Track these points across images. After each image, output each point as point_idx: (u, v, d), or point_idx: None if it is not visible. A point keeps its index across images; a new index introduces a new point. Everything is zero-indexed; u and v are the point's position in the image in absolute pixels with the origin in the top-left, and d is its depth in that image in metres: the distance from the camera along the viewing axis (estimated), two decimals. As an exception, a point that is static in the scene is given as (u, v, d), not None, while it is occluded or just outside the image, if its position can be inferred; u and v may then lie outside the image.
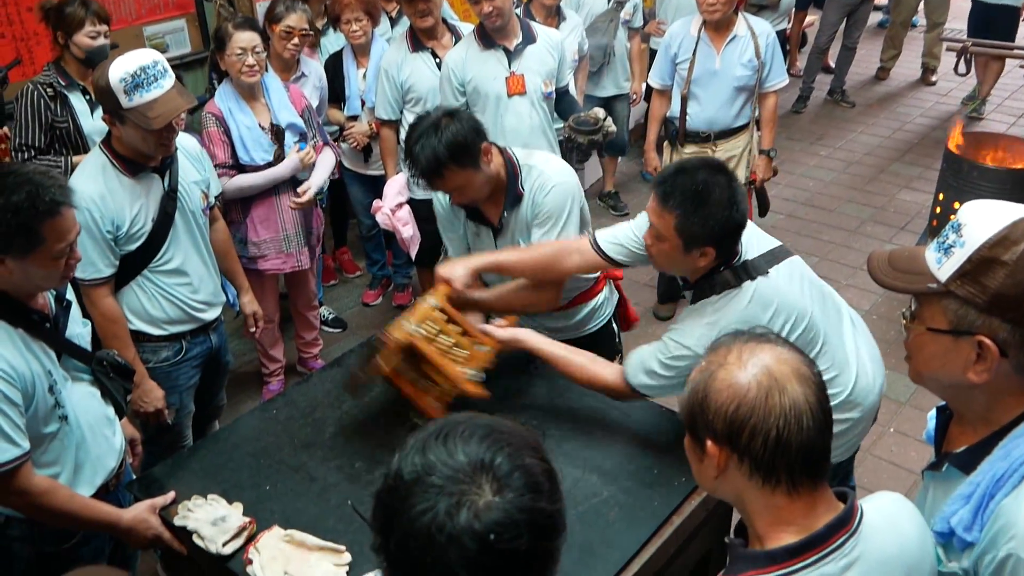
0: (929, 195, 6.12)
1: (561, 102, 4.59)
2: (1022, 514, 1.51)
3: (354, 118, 4.99)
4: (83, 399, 2.55)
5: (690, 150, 5.02)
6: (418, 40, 4.57)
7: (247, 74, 3.95)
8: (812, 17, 9.29)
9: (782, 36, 7.33)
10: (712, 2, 4.58)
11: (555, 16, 5.29)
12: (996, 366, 1.55)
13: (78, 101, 3.79)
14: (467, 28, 4.66)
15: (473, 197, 3.01)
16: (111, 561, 2.77)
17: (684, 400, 1.54)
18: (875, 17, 10.40)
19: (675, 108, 5.01)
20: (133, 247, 3.09)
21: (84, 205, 2.84)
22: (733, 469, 1.48)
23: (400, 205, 4.65)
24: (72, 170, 3.43)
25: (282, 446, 2.74)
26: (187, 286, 3.27)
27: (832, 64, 8.92)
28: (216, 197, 3.50)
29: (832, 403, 1.50)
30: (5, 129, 3.84)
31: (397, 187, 4.66)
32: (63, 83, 3.77)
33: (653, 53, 5.84)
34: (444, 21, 4.69)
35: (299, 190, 4.15)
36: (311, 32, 4.60)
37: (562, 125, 4.59)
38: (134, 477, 2.85)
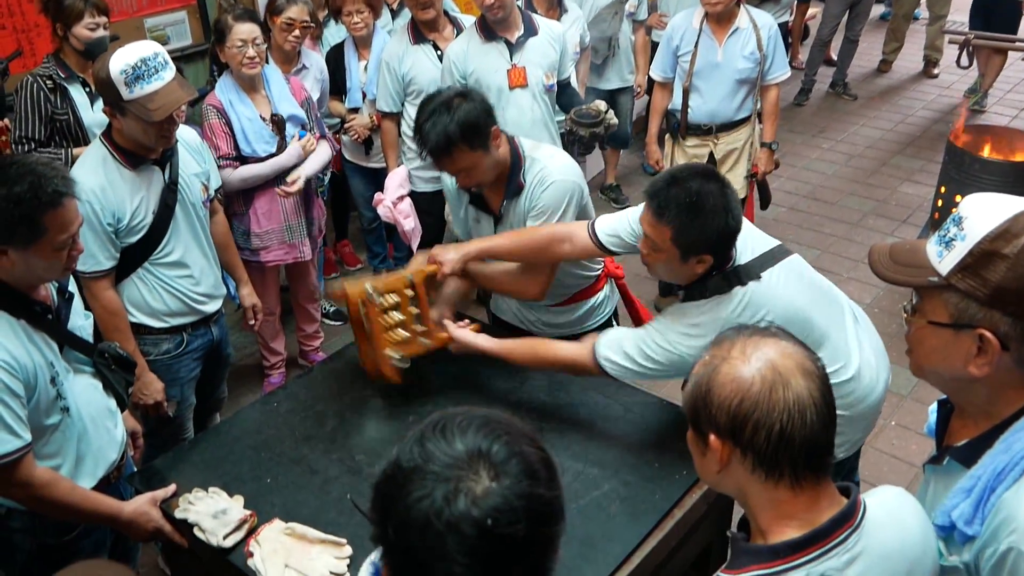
0: (931, 188, 6.11)
1: (563, 95, 4.58)
2: (1023, 508, 1.51)
3: (355, 110, 4.98)
4: (85, 391, 2.55)
5: (692, 143, 5.02)
6: (419, 32, 4.56)
7: (248, 66, 3.94)
8: (814, 9, 9.27)
9: (784, 29, 7.31)
10: (714, -6, 4.57)
11: (556, 8, 5.27)
12: (997, 359, 1.55)
13: (78, 93, 3.79)
14: (469, 20, 4.65)
15: (479, 180, 3.00)
16: (112, 554, 2.78)
17: (687, 394, 1.54)
18: (877, 10, 10.38)
19: (677, 101, 5.00)
20: (134, 239, 3.09)
21: (85, 197, 2.84)
22: (736, 463, 1.48)
23: (401, 198, 4.65)
24: (72, 162, 3.42)
25: (283, 439, 2.75)
26: (188, 278, 3.27)
27: (834, 57, 8.89)
28: (216, 190, 3.49)
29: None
30: (6, 121, 3.84)
31: (398, 180, 4.66)
32: (63, 75, 3.76)
33: (655, 45, 5.83)
34: (446, 13, 4.68)
35: (288, 179, 4.11)
36: (312, 24, 4.59)
37: (564, 118, 4.59)
38: (135, 470, 2.85)
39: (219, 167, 3.76)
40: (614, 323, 3.46)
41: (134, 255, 3.13)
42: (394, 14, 5.29)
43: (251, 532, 2.36)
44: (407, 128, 4.70)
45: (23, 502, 2.41)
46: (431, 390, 2.92)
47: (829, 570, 1.43)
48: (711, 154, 5.01)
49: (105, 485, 2.61)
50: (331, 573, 2.22)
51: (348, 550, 2.28)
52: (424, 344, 2.88)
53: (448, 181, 3.24)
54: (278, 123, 4.07)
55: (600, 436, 2.69)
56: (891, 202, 6.66)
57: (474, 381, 2.95)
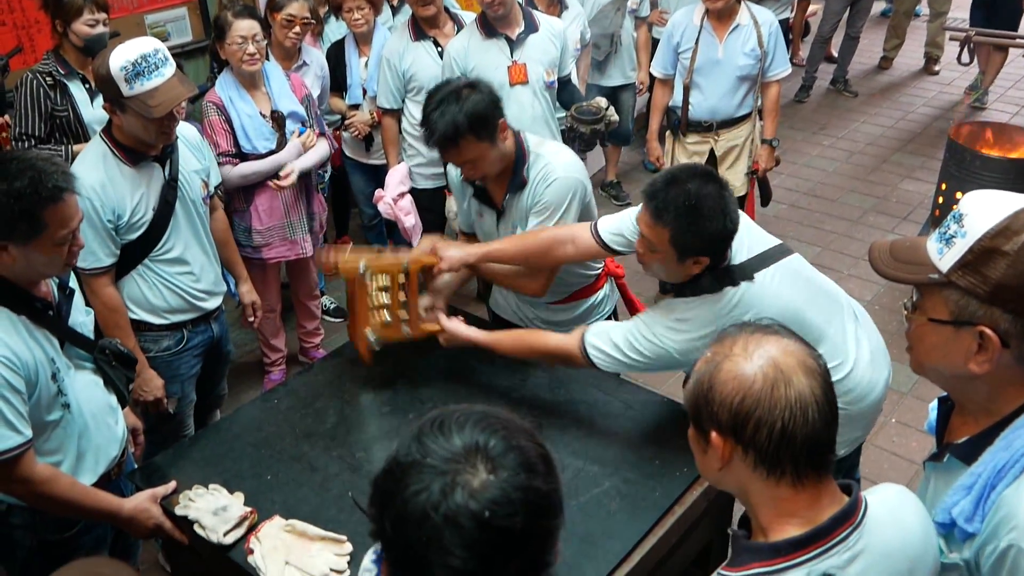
0: (931, 185, 6.11)
1: (563, 91, 4.58)
2: (1023, 505, 1.51)
3: (356, 107, 4.97)
4: (86, 387, 2.55)
5: (692, 140, 5.02)
6: (420, 29, 4.55)
7: (248, 63, 3.93)
8: (815, 6, 9.26)
9: (785, 25, 7.30)
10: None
11: (557, 5, 5.27)
12: (997, 357, 1.55)
13: (78, 90, 3.78)
14: (469, 17, 4.64)
15: (483, 173, 2.99)
16: (113, 550, 2.78)
17: (689, 391, 1.54)
18: (878, 6, 10.37)
19: (677, 97, 5.00)
20: (134, 236, 3.09)
21: (85, 194, 2.84)
22: (737, 461, 1.48)
23: (402, 194, 4.65)
24: (73, 159, 3.42)
25: (283, 436, 2.75)
26: (188, 275, 3.27)
27: (835, 53, 8.89)
28: (216, 187, 3.49)
29: None
30: (6, 117, 3.84)
31: (399, 176, 4.66)
32: (62, 72, 3.76)
33: (656, 42, 5.83)
34: (446, 10, 4.67)
35: (281, 173, 4.08)
36: (313, 20, 4.58)
37: (564, 115, 4.58)
38: (136, 466, 2.85)
39: (219, 164, 3.76)
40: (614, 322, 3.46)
41: (134, 252, 3.13)
42: (395, 10, 5.28)
43: (251, 529, 2.36)
44: (408, 125, 4.71)
45: (23, 498, 2.41)
46: (431, 387, 2.92)
47: (831, 568, 1.43)
48: (712, 151, 5.01)
49: (106, 482, 2.61)
50: (331, 570, 2.22)
51: (348, 547, 2.28)
52: (405, 332, 2.90)
53: (453, 173, 3.24)
54: (278, 120, 4.07)
55: (601, 433, 2.69)
56: (892, 199, 6.66)
57: (475, 378, 2.95)
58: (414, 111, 4.65)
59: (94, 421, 2.56)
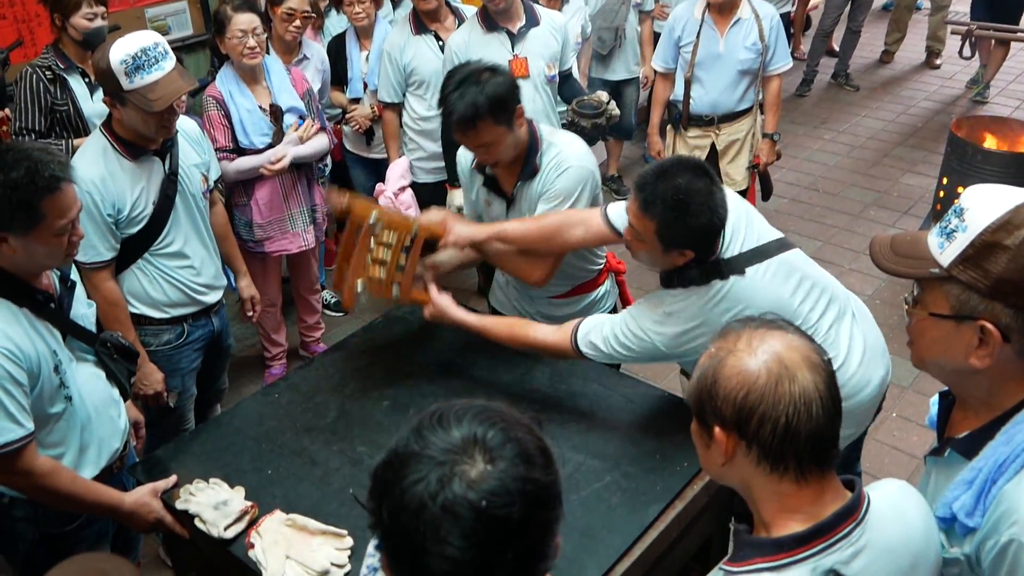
0: (933, 179, 6.10)
1: (564, 86, 4.57)
2: (1024, 500, 1.51)
3: (357, 101, 4.97)
4: (88, 380, 2.56)
5: (694, 134, 5.01)
6: (421, 22, 4.55)
7: (248, 56, 3.92)
8: (816, 0, 9.25)
9: (786, 19, 7.30)
10: (716, -16, 4.57)
11: (558, -2, 5.27)
12: (998, 351, 1.55)
13: (77, 84, 3.78)
14: (470, 11, 4.64)
15: (497, 158, 2.98)
16: (114, 544, 2.79)
17: (692, 386, 1.54)
18: (879, 0, 10.35)
19: (679, 91, 5.00)
20: (134, 230, 3.09)
21: (85, 188, 2.84)
22: (741, 456, 1.47)
23: (403, 188, 4.65)
24: (73, 153, 3.42)
25: (284, 430, 2.75)
26: (188, 269, 3.27)
27: (836, 47, 8.87)
28: (216, 181, 3.49)
29: None
30: (6, 111, 3.83)
31: (400, 171, 4.66)
32: (62, 66, 3.76)
33: (659, 36, 5.83)
34: (447, 3, 4.67)
35: (272, 157, 4.04)
36: (313, 14, 4.57)
37: (565, 109, 4.58)
38: (137, 460, 2.86)
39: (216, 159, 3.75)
40: None
41: (134, 246, 3.13)
42: (395, 4, 5.28)
43: (252, 523, 2.36)
44: (408, 119, 4.70)
45: (24, 491, 2.42)
46: (431, 382, 2.91)
47: (835, 564, 1.43)
48: (713, 145, 5.01)
49: (108, 475, 2.62)
50: (332, 564, 2.22)
51: (349, 541, 2.28)
52: (392, 293, 2.89)
53: (463, 160, 3.24)
54: (275, 113, 4.06)
55: (601, 427, 2.69)
56: (893, 193, 6.65)
57: (475, 373, 2.95)
58: (415, 105, 4.65)
59: (97, 414, 2.56)
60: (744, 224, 2.57)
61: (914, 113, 8.07)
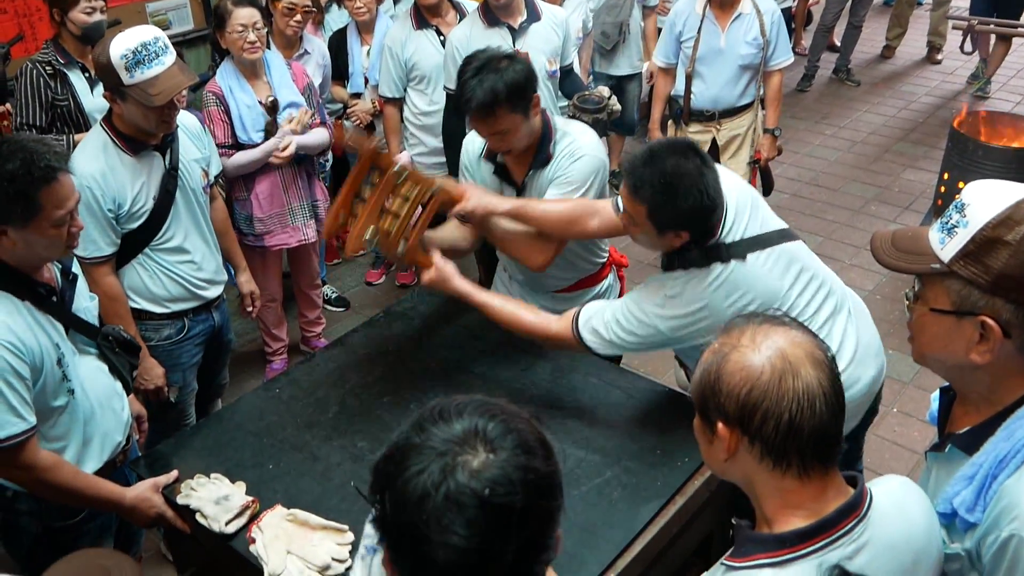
0: (934, 175, 6.09)
1: (566, 81, 4.57)
2: (1024, 495, 1.51)
3: (358, 96, 4.97)
4: (91, 373, 2.56)
5: (694, 129, 5.01)
6: (422, 17, 4.54)
7: (249, 51, 3.92)
8: (817, -6, 9.25)
9: (787, 14, 7.29)
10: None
11: (559, -7, 5.26)
12: (999, 347, 1.55)
13: (77, 79, 3.78)
14: (472, 6, 4.63)
15: (511, 146, 2.97)
16: (117, 537, 2.79)
17: (695, 381, 1.54)
18: (881, -5, 10.36)
19: (679, 87, 5.00)
20: (134, 225, 3.09)
21: (85, 183, 2.84)
22: (744, 452, 1.47)
23: (403, 184, 4.63)
24: (74, 148, 3.42)
25: (285, 425, 2.75)
26: (189, 264, 3.27)
27: (837, 42, 8.86)
28: (216, 176, 3.49)
29: None
30: (7, 106, 3.83)
31: (400, 166, 4.65)
32: (62, 61, 3.76)
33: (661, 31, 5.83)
34: (448, -2, 4.67)
35: (280, 144, 4.04)
36: (314, 9, 4.57)
37: (567, 104, 4.57)
38: (139, 455, 2.86)
39: (215, 155, 3.76)
40: None
41: (135, 241, 3.13)
42: (396, -1, 5.28)
43: (253, 518, 2.36)
44: (409, 114, 4.70)
45: (26, 485, 2.42)
46: (432, 378, 2.91)
47: (839, 559, 1.43)
48: (714, 140, 5.00)
49: (111, 469, 2.62)
50: (333, 559, 2.23)
51: (350, 536, 2.29)
52: (398, 250, 2.79)
53: (471, 148, 3.23)
54: (270, 106, 4.05)
55: (602, 423, 2.69)
56: (894, 189, 6.65)
57: (476, 369, 2.95)
58: (416, 100, 4.64)
59: (100, 407, 2.57)
60: (748, 210, 2.57)
61: (915, 108, 8.07)
